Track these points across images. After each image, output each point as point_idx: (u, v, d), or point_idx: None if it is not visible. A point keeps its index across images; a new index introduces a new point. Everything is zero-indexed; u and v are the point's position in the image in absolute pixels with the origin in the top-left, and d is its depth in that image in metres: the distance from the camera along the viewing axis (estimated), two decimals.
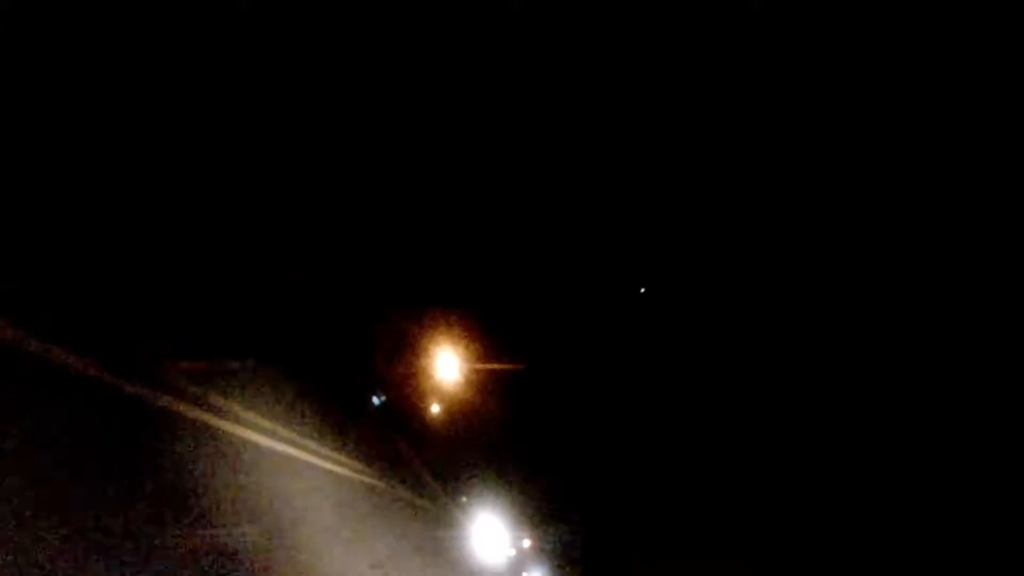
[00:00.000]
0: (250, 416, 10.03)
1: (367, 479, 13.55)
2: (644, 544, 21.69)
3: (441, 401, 14.84)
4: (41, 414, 7.04)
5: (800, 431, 17.13)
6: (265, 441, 10.40)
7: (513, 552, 23.05)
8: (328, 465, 12.25)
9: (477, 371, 14.18)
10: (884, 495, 16.57)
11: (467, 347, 13.89)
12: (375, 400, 12.74)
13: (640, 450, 19.17)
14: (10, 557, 6.82)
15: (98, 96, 7.25)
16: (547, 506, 19.77)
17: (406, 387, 14.24)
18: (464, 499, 17.62)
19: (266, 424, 10.34)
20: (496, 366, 14.30)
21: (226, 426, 9.67)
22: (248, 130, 8.68)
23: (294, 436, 11.13)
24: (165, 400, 8.48)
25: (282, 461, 11.01)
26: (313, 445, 11.69)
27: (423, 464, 15.81)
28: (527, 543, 23.53)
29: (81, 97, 7.13)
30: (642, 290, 14.40)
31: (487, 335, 14.16)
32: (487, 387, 14.78)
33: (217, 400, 9.42)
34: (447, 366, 13.83)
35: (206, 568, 9.35)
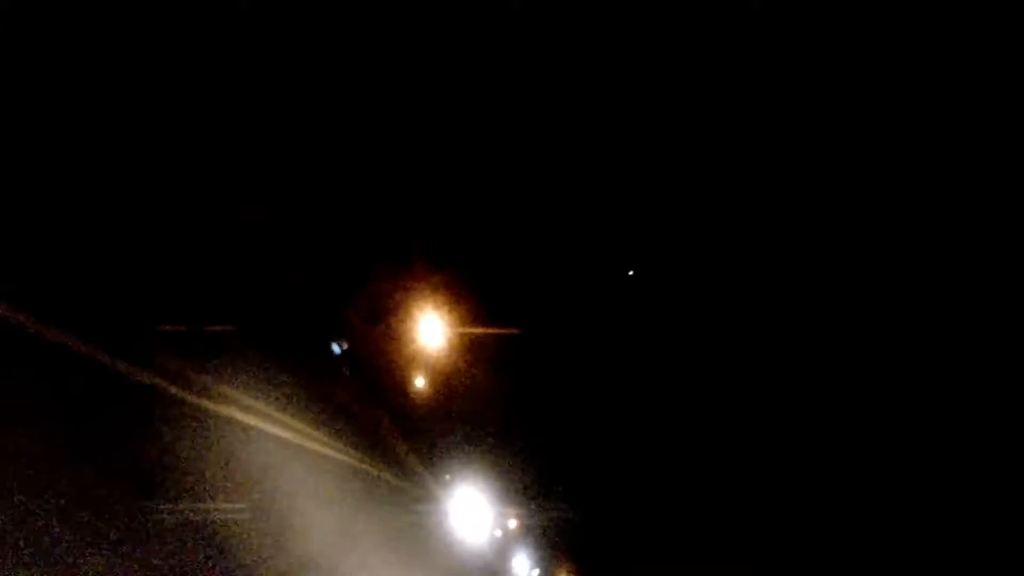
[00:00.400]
0: (207, 384, 9.90)
1: (333, 453, 12.48)
2: (640, 525, 21.03)
3: (423, 367, 13.52)
4: (14, 383, 7.00)
5: (808, 423, 16.56)
6: (216, 409, 10.12)
7: (499, 533, 22.06)
8: (289, 436, 11.33)
9: (463, 335, 12.85)
10: (888, 496, 16.32)
11: (452, 308, 12.61)
12: (335, 348, 11.33)
13: (639, 428, 17.95)
14: None
15: (67, 64, 7.29)
16: (536, 482, 18.48)
17: (383, 351, 12.96)
18: (446, 476, 16.39)
19: (220, 392, 10.12)
20: (485, 330, 12.98)
21: (185, 396, 9.57)
22: (216, 78, 8.53)
23: (249, 403, 10.58)
24: (130, 368, 8.44)
25: (236, 432, 10.46)
26: (272, 413, 10.91)
27: (401, 437, 14.54)
28: (514, 523, 22.53)
29: (50, 65, 7.18)
30: (630, 272, 13.90)
31: (475, 295, 12.86)
32: (474, 352, 13.48)
33: (177, 366, 9.31)
34: (430, 328, 12.56)
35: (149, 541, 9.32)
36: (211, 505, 10.73)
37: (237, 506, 11.14)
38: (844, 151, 11.23)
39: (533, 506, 19.72)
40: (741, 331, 14.89)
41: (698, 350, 15.60)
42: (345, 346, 11.50)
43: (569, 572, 27.06)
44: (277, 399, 11.06)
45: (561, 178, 12.18)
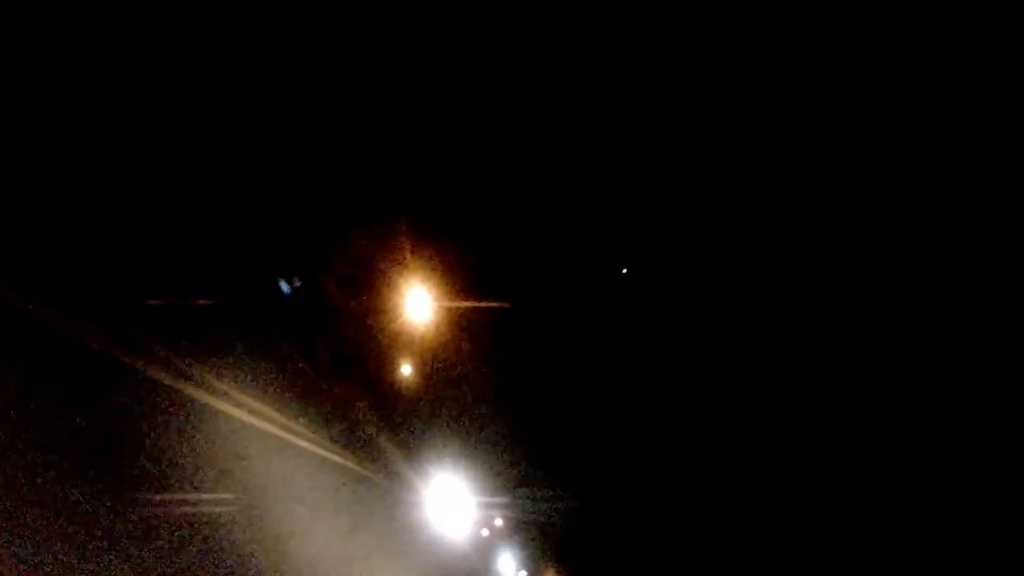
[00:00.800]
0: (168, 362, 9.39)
1: (303, 440, 11.48)
2: (631, 522, 20.18)
3: (404, 345, 12.46)
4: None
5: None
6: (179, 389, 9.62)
7: (486, 532, 21.28)
8: (254, 422, 10.61)
9: (449, 309, 11.79)
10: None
11: (437, 280, 11.56)
12: (284, 287, 10.34)
13: (633, 416, 17.09)
14: None
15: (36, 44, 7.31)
16: (524, 474, 17.67)
17: (361, 326, 11.88)
18: (428, 466, 15.38)
19: (182, 370, 9.57)
20: (472, 303, 11.91)
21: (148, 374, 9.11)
22: (188, 46, 8.42)
23: (212, 383, 9.97)
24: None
25: (195, 414, 9.86)
26: (235, 395, 10.29)
27: (379, 423, 13.47)
28: (500, 521, 21.71)
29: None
30: (624, 271, 13.60)
31: (462, 266, 11.81)
32: (461, 329, 12.41)
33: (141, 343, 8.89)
34: (412, 301, 11.53)
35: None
36: (171, 493, 10.11)
37: (199, 495, 10.48)
38: (835, 147, 11.20)
39: (521, 501, 18.82)
40: (736, 316, 14.53)
41: (698, 333, 15.01)
42: (297, 285, 10.44)
43: (557, 573, 26.17)
44: (241, 380, 10.30)
45: (554, 143, 11.47)
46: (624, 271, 13.73)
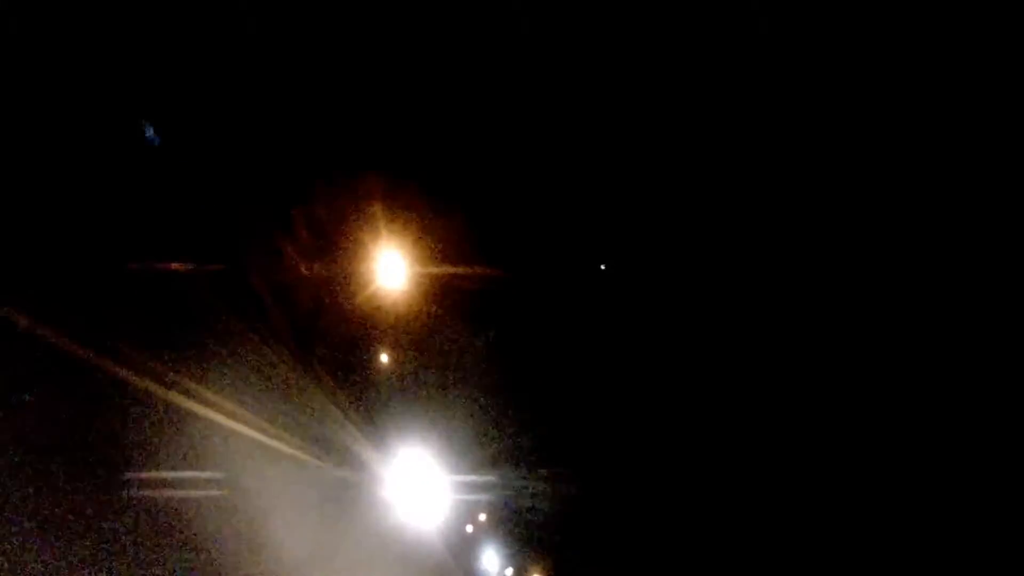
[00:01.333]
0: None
1: (259, 431, 10.50)
2: (621, 519, 20.11)
3: (375, 318, 11.17)
4: None
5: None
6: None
7: (470, 528, 20.45)
8: (203, 410, 9.71)
9: (427, 276, 10.49)
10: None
11: (414, 241, 10.55)
12: (149, 132, 9.25)
13: (631, 407, 16.94)
14: None
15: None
16: (510, 461, 17.01)
17: (326, 293, 10.60)
18: (403, 456, 14.15)
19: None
20: (455, 269, 10.58)
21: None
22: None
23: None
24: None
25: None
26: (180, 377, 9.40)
27: (347, 406, 12.15)
28: (483, 517, 20.99)
29: None
30: (602, 267, 13.52)
31: (443, 226, 10.60)
32: (442, 299, 11.14)
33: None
34: (385, 266, 10.50)
35: None
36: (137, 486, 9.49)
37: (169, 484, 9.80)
38: (824, 142, 11.59)
39: (505, 493, 18.03)
40: (727, 301, 14.65)
41: (687, 317, 15.06)
42: (159, 137, 9.29)
43: (544, 570, 25.61)
44: (206, 371, 9.52)
45: (536, 114, 11.30)
46: (603, 267, 13.57)
